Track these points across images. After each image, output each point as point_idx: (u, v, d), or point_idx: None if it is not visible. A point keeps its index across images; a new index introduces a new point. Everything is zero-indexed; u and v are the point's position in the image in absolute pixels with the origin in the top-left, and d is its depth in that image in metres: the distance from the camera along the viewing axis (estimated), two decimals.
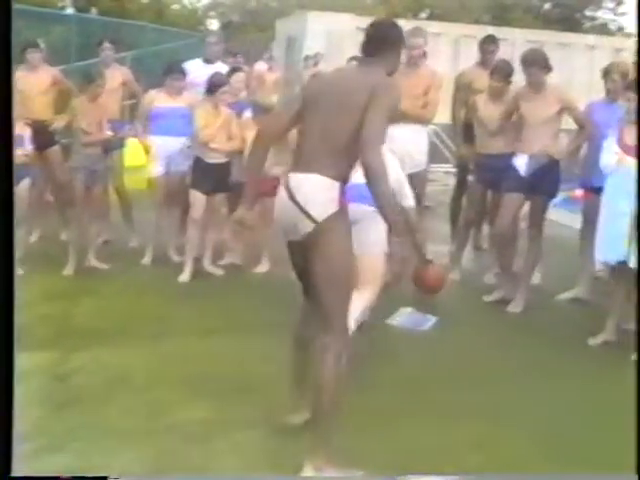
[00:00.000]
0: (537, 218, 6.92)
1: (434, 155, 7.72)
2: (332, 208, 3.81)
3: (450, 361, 5.55)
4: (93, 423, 4.34)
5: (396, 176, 5.28)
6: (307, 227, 3.80)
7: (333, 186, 3.84)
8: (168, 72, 7.85)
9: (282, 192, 3.91)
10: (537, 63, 6.69)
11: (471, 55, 8.43)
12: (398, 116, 7.04)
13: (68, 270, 7.26)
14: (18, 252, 7.26)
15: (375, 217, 4.10)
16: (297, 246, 3.94)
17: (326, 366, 3.77)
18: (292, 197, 3.83)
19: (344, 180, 3.91)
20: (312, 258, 3.84)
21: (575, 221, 9.02)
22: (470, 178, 8.04)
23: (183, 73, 7.90)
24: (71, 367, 5.06)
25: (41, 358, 5.15)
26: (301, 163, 3.91)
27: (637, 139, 5.58)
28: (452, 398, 4.84)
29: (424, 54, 7.43)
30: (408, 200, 5.58)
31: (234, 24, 39.39)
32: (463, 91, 8.14)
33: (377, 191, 3.71)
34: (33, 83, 8.10)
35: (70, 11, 25.13)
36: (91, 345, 5.44)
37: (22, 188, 7.21)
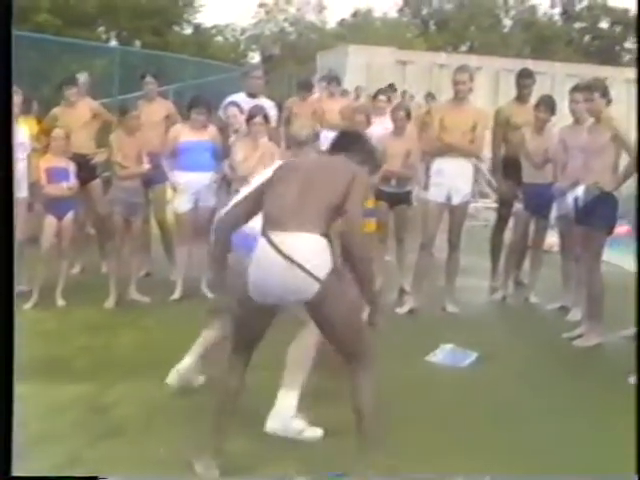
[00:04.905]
0: (593, 251, 6.67)
1: (474, 190, 7.71)
2: (329, 264, 3.81)
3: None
4: (133, 454, 4.32)
5: None
6: (313, 287, 3.73)
7: (325, 243, 3.82)
8: (192, 106, 7.76)
9: (268, 252, 3.78)
10: (598, 90, 6.58)
11: (510, 89, 8.45)
12: (446, 149, 7.17)
13: (109, 303, 7.29)
14: (61, 284, 7.40)
15: None
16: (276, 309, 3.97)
17: (366, 391, 3.92)
18: (288, 258, 3.72)
19: (327, 236, 3.87)
20: (324, 314, 3.84)
21: (622, 260, 8.78)
22: (517, 206, 8.04)
23: (207, 107, 7.80)
24: (110, 399, 5.04)
25: (80, 390, 5.17)
26: (282, 222, 3.81)
27: (637, 139, 5.50)
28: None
29: (469, 90, 7.43)
30: None
31: (275, 57, 39.77)
32: (502, 126, 8.20)
33: (361, 271, 3.87)
34: (73, 117, 8.17)
35: (113, 44, 25.55)
36: (130, 377, 5.41)
37: (67, 221, 7.32)
